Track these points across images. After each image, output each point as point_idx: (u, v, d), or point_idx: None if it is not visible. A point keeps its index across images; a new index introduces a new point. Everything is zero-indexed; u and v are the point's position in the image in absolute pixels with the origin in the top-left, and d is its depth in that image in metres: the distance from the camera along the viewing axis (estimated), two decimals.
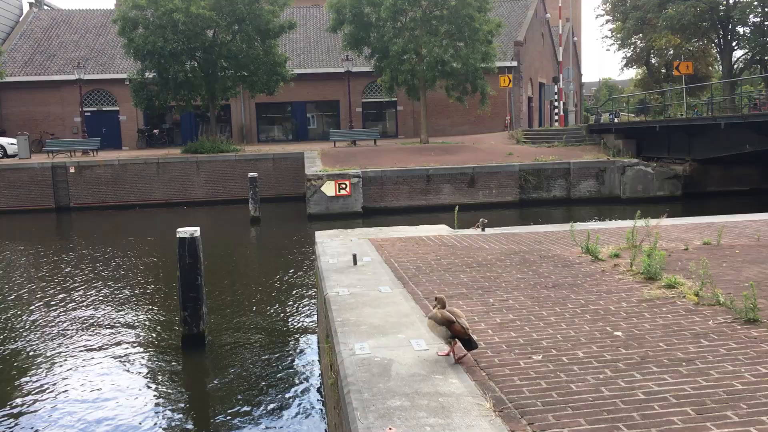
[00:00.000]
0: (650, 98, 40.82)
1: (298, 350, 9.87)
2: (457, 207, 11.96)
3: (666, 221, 10.20)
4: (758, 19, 46.07)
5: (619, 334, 4.95)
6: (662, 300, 5.79)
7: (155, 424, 7.45)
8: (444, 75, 30.58)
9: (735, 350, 4.49)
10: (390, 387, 4.06)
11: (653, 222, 8.78)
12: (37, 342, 10.45)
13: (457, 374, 4.24)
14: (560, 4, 42.48)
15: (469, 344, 4.40)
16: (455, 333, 4.42)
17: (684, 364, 4.27)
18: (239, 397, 8.12)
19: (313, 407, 7.65)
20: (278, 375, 8.78)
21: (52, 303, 12.82)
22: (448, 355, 4.52)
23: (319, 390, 8.07)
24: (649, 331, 4.97)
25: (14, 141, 32.58)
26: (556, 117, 40.32)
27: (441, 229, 10.50)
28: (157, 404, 8.01)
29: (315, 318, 10.75)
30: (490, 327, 5.23)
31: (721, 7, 45.17)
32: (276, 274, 15.06)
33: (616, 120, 41.18)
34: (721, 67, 51.03)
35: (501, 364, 4.41)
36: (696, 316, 5.31)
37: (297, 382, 8.49)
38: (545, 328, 5.16)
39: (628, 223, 9.55)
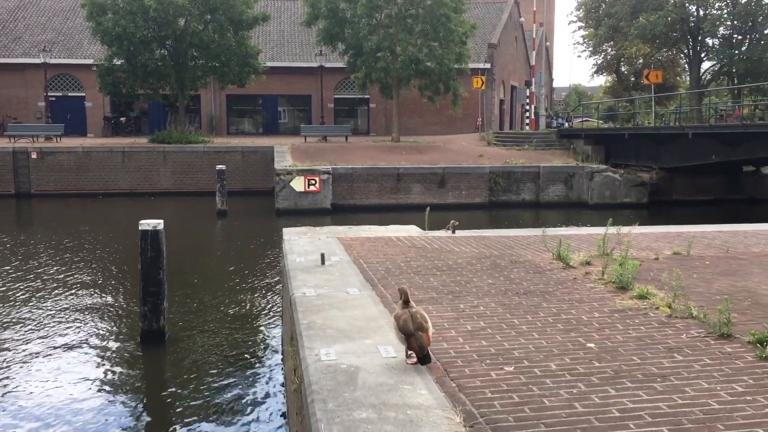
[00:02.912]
0: (619, 106, 41.22)
1: (260, 351, 9.62)
2: (429, 208, 11.80)
3: (635, 229, 10.18)
4: (727, 32, 46.87)
5: (592, 345, 4.84)
6: (634, 311, 5.71)
7: (107, 421, 7.16)
8: (418, 74, 30.45)
9: (709, 366, 4.40)
10: (356, 397, 3.88)
11: (624, 230, 8.73)
12: None
13: (427, 385, 4.07)
14: (535, 9, 42.58)
15: (423, 360, 4.26)
16: (410, 348, 4.29)
17: (659, 380, 4.17)
18: (197, 397, 7.85)
19: (274, 411, 7.42)
20: (239, 376, 8.52)
21: (6, 293, 12.36)
22: (416, 364, 4.36)
23: (281, 393, 7.85)
24: (622, 344, 4.87)
25: None
26: (528, 120, 40.49)
27: (411, 230, 10.35)
28: (111, 401, 7.71)
29: (280, 318, 10.51)
30: (460, 335, 5.09)
31: (692, 19, 45.83)
32: (241, 270, 14.76)
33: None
34: (689, 78, 51.78)
35: (472, 374, 4.26)
36: (669, 329, 5.22)
37: (258, 384, 8.24)
38: (517, 337, 5.03)
39: (598, 230, 9.49)
